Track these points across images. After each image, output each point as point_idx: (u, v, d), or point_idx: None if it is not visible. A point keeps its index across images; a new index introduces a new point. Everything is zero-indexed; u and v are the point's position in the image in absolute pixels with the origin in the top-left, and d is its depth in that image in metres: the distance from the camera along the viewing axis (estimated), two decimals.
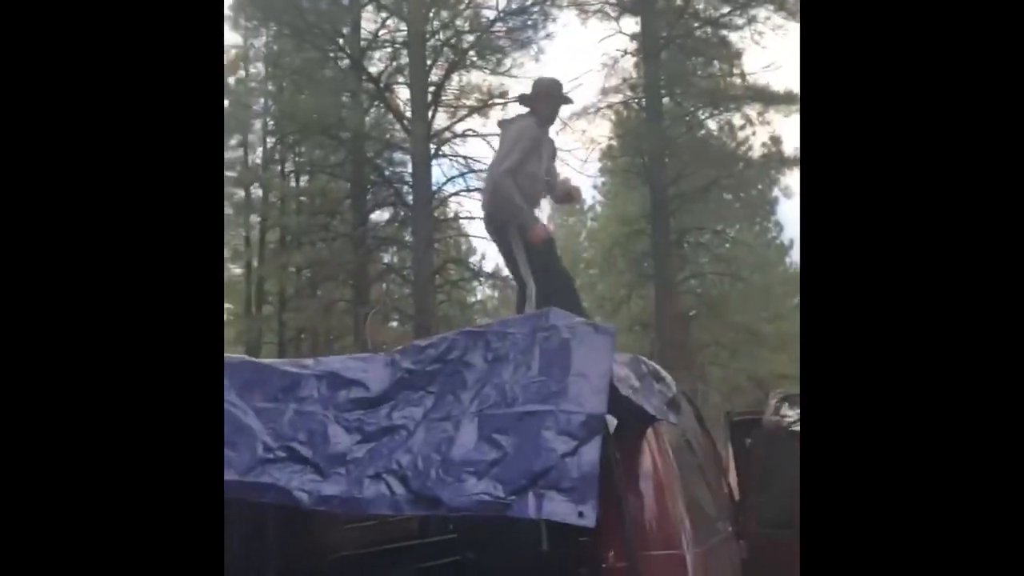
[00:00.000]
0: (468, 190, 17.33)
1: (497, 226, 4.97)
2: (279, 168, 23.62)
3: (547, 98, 5.20)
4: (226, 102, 22.36)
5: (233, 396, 2.54)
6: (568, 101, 5.52)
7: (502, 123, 5.57)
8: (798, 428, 4.22)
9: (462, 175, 17.16)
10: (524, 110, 5.30)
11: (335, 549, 4.19)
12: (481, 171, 15.89)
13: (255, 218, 23.57)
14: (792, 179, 22.90)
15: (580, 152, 24.16)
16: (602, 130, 19.48)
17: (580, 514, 2.20)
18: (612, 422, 2.57)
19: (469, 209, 19.58)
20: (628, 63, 19.07)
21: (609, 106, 19.08)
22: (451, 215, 19.71)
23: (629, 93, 19.02)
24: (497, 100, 17.58)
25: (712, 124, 19.80)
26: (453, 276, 19.47)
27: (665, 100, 18.73)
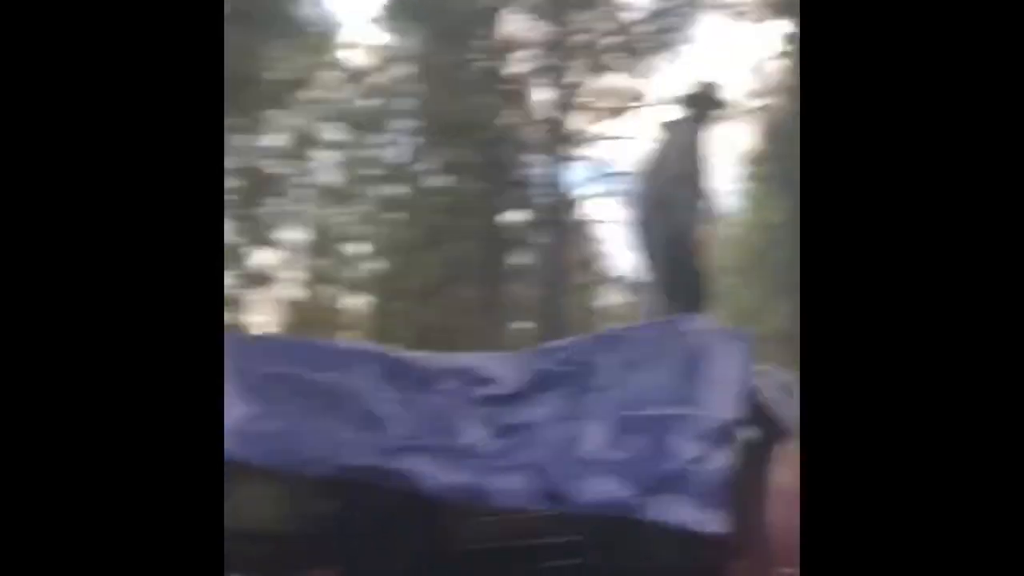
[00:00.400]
0: (601, 194, 17.30)
1: (649, 226, 4.92)
2: (420, 168, 24.27)
3: (705, 101, 5.15)
4: (377, 101, 23.25)
5: (372, 385, 2.65)
6: (723, 105, 5.48)
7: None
8: None
9: (595, 179, 17.14)
10: (671, 111, 5.29)
11: (462, 542, 4.29)
12: (616, 174, 15.86)
13: (396, 215, 24.30)
14: None
15: (725, 157, 23.74)
16: (748, 135, 19.07)
17: (706, 521, 2.19)
18: (745, 432, 2.54)
19: (602, 212, 19.60)
20: (776, 66, 18.58)
21: (756, 110, 18.64)
22: (584, 218, 19.75)
23: (778, 98, 18.49)
24: (633, 103, 17.48)
25: None
26: (582, 280, 19.46)
27: None
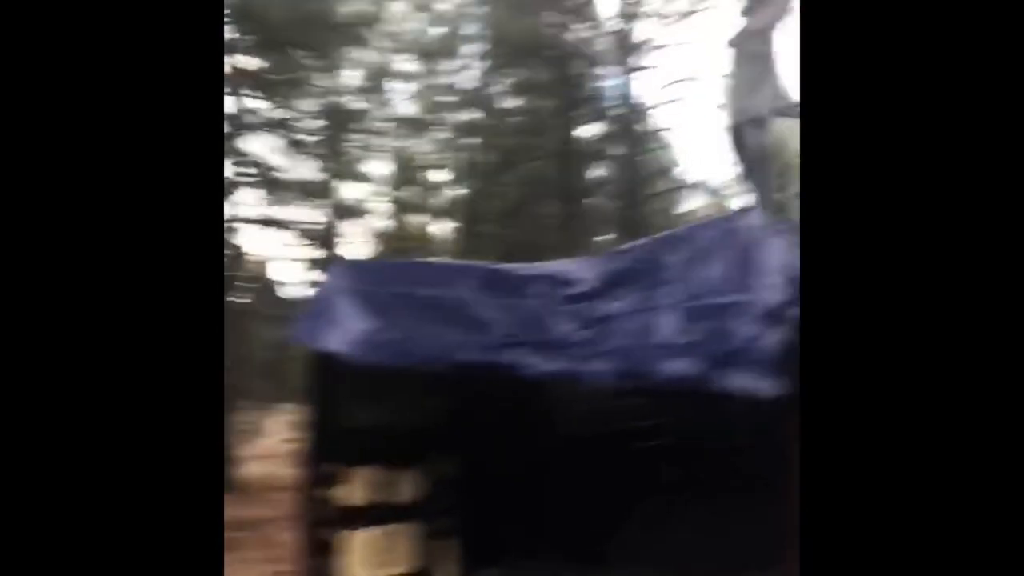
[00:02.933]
0: (674, 101, 17.22)
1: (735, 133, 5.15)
2: (492, 91, 24.40)
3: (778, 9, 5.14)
4: (445, 28, 23.35)
5: (472, 295, 3.12)
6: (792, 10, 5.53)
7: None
8: None
9: (666, 87, 17.09)
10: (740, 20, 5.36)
11: (562, 429, 4.81)
12: (684, 80, 15.80)
13: (473, 140, 24.62)
14: None
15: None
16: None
17: (765, 387, 2.59)
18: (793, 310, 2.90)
19: (675, 120, 19.49)
20: None
21: None
22: (656, 127, 19.73)
23: None
24: (698, 7, 17.24)
25: None
26: (660, 188, 19.57)
27: None
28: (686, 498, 4.65)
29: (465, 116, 24.28)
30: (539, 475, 4.52)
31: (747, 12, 5.29)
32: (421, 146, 25.09)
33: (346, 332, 3.23)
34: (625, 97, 16.98)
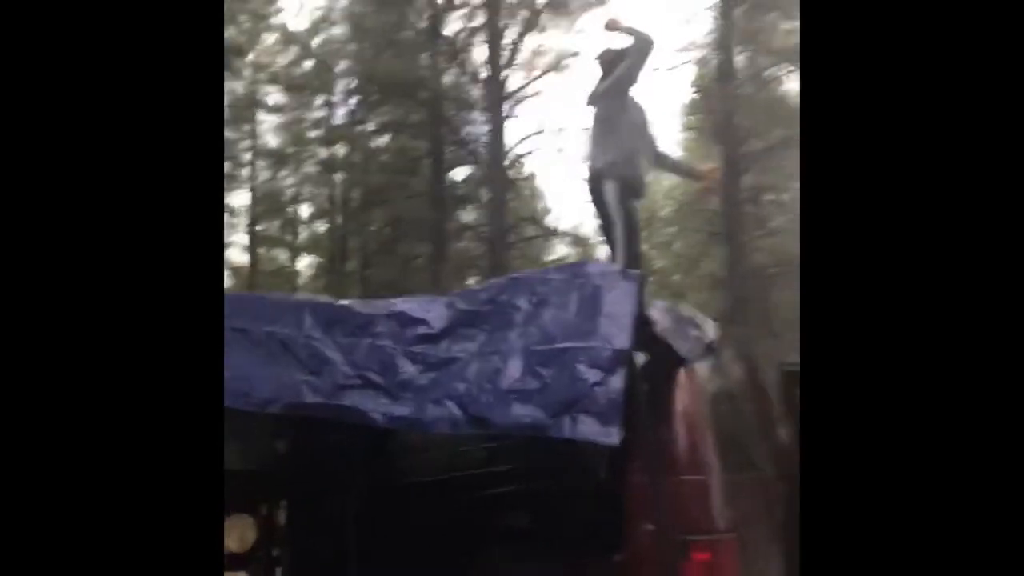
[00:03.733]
0: (545, 150, 17.62)
1: (593, 189, 5.18)
2: (361, 128, 24.30)
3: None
4: (311, 63, 23.10)
5: (318, 332, 3.00)
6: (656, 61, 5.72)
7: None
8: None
9: (537, 135, 17.48)
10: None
11: (407, 475, 4.67)
12: (555, 131, 16.21)
13: (339, 176, 24.33)
14: None
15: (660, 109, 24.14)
16: (677, 88, 19.48)
17: (607, 434, 2.59)
18: (641, 358, 2.93)
19: (544, 168, 19.94)
20: (704, 20, 18.99)
21: (684, 63, 19.07)
22: (526, 174, 20.09)
23: (703, 51, 18.93)
24: (570, 61, 17.81)
25: (789, 82, 19.57)
26: (528, 234, 19.87)
27: (739, 56, 18.59)
28: (530, 545, 4.61)
29: (333, 152, 24.03)
30: (378, 522, 4.37)
31: (604, 70, 5.37)
32: (285, 180, 24.63)
33: None
34: (496, 143, 17.20)
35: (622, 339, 2.68)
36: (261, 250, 26.07)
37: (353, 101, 22.26)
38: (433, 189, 18.63)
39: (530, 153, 18.80)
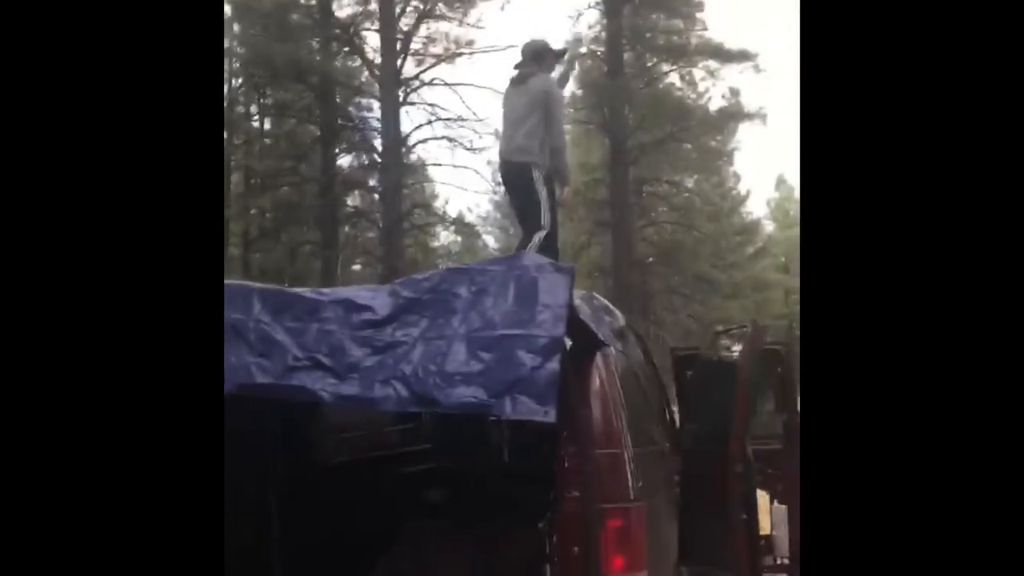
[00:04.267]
0: (437, 138, 17.83)
1: (518, 175, 5.45)
2: (244, 110, 23.76)
3: (553, 57, 5.73)
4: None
5: (267, 316, 3.14)
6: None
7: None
8: (727, 357, 4.88)
9: (430, 123, 17.63)
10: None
11: (329, 458, 4.84)
12: (448, 120, 16.44)
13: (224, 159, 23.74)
14: (749, 132, 23.60)
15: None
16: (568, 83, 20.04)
17: (544, 413, 2.85)
18: (568, 343, 3.21)
19: (436, 156, 20.14)
20: (592, 16, 19.58)
21: (574, 59, 19.59)
22: (418, 162, 20.20)
23: (592, 46, 19.51)
24: (464, 50, 18.02)
25: (673, 77, 20.41)
26: (419, 221, 20.00)
27: (627, 54, 19.26)
28: (451, 522, 4.87)
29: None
30: (305, 501, 4.53)
31: (524, 64, 5.66)
32: None
33: None
34: (389, 130, 17.24)
35: (557, 328, 2.94)
36: None
37: (237, 82, 21.77)
38: (323, 175, 18.46)
39: (424, 141, 18.93)
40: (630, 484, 3.42)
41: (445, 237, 23.41)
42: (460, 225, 22.25)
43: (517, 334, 2.95)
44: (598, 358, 3.50)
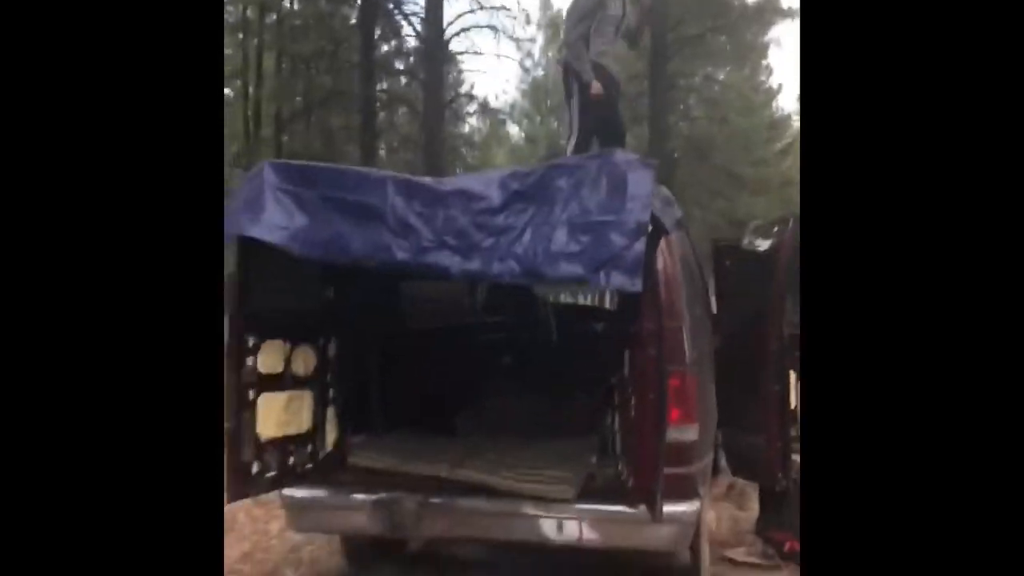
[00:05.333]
0: (479, 26, 17.84)
1: (564, 76, 5.90)
2: None
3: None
4: None
5: (400, 203, 3.77)
6: None
7: None
8: (766, 250, 5.44)
9: (472, 11, 17.65)
10: None
11: (421, 325, 5.60)
12: (492, 8, 16.54)
13: (257, 41, 23.75)
14: (783, 29, 23.38)
15: None
16: None
17: (633, 284, 3.49)
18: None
19: (477, 44, 20.10)
20: None
21: None
22: (461, 49, 20.21)
23: None
24: None
25: None
26: (454, 107, 20.13)
27: None
28: (522, 383, 5.65)
29: (250, 15, 23.38)
30: (402, 359, 5.28)
31: None
32: None
33: (275, 225, 3.73)
34: (434, 15, 17.30)
35: (644, 214, 3.54)
36: None
37: None
38: (363, 60, 18.61)
39: (466, 29, 18.92)
40: (686, 352, 4.10)
41: (468, 126, 23.50)
42: (489, 113, 22.40)
43: (610, 220, 3.55)
44: (663, 243, 4.06)
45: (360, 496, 4.23)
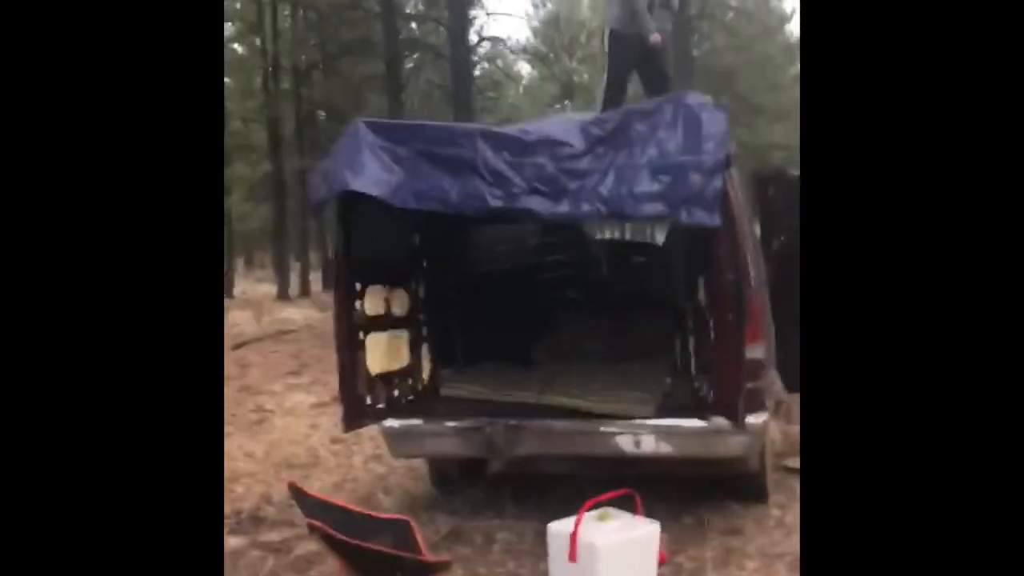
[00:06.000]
0: None
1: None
2: None
3: None
4: None
5: (490, 153, 4.09)
6: None
7: None
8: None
9: None
10: None
11: (496, 265, 5.98)
12: None
13: None
14: None
15: None
16: None
17: (712, 219, 3.82)
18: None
19: None
20: None
21: None
22: None
23: None
24: None
25: None
26: (481, 52, 20.01)
27: None
28: (588, 313, 6.05)
29: None
30: (481, 298, 5.68)
31: None
32: None
33: (376, 180, 4.06)
34: None
35: (720, 153, 3.86)
36: None
37: None
38: (384, 8, 18.60)
39: None
40: (751, 275, 4.44)
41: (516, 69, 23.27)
42: (521, 53, 22.22)
43: (688, 160, 3.87)
44: (727, 174, 4.39)
45: (454, 423, 4.63)
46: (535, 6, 32.92)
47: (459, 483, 5.41)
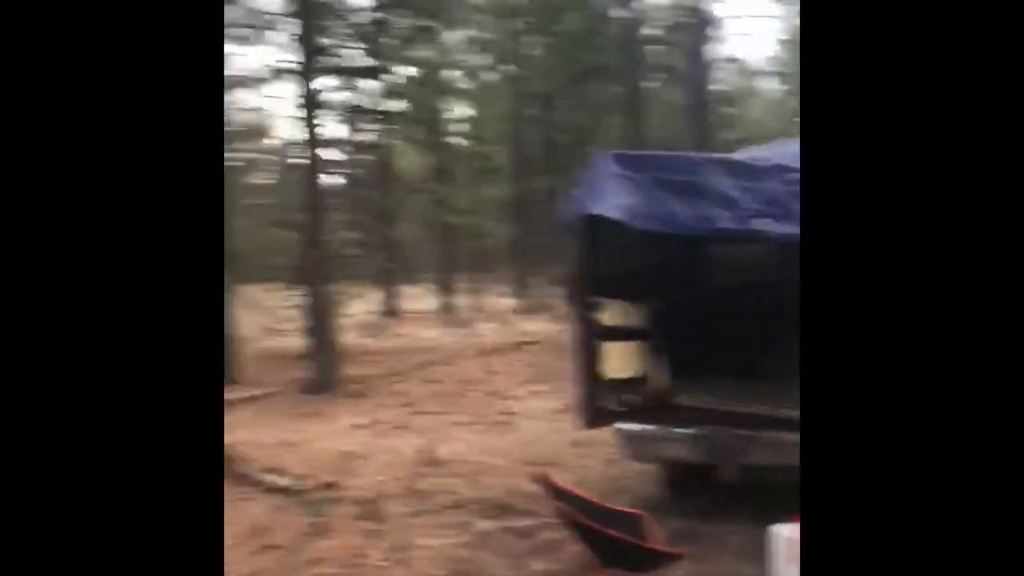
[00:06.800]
0: None
1: None
2: None
3: None
4: None
5: (724, 179, 4.41)
6: None
7: None
8: None
9: None
10: None
11: (711, 282, 6.17)
12: None
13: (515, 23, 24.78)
14: None
15: None
16: None
17: None
18: None
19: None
20: None
21: None
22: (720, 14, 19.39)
23: None
24: None
25: None
26: (719, 75, 19.41)
27: None
28: None
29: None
30: (711, 313, 5.96)
31: None
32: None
33: (615, 204, 4.49)
34: None
35: None
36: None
37: None
38: (623, 36, 18.94)
39: None
40: None
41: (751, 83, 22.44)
42: (746, 73, 21.67)
43: None
44: None
45: (686, 430, 4.94)
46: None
47: (689, 488, 5.63)
